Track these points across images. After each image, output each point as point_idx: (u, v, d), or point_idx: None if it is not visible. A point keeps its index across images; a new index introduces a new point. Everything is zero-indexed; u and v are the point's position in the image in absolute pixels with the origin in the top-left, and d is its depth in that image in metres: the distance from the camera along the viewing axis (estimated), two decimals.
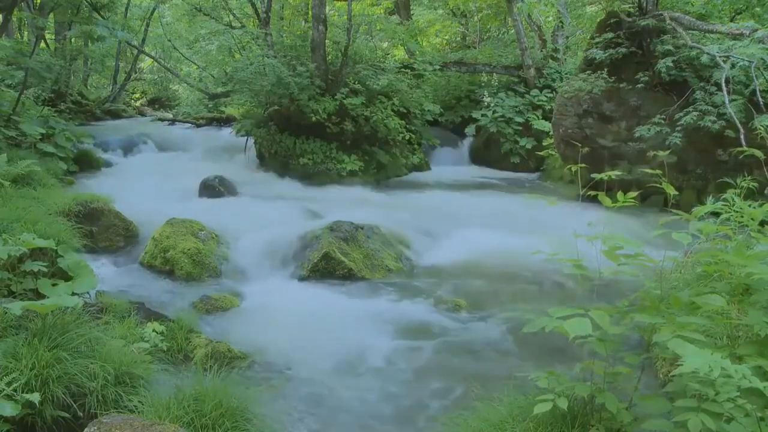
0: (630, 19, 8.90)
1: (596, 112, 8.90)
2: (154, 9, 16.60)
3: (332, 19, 12.39)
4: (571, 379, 2.47)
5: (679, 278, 3.87)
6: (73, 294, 3.97)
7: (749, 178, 3.67)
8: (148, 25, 16.87)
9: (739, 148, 3.73)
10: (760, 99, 6.96)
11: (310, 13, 12.36)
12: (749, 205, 2.77)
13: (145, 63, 22.84)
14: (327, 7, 11.49)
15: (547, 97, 12.40)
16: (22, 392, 2.63)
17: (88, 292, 4.39)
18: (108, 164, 10.98)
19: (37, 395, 2.63)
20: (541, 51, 13.87)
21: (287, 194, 9.08)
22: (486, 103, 12.52)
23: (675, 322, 2.22)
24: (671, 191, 2.56)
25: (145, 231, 6.39)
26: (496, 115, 12.27)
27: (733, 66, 7.33)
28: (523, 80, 13.04)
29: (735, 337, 2.89)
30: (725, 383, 1.85)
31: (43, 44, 13.92)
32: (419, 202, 8.97)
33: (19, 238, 3.86)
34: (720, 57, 7.35)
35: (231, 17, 13.98)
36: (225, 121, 15.47)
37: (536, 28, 14.48)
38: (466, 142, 13.04)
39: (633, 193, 2.53)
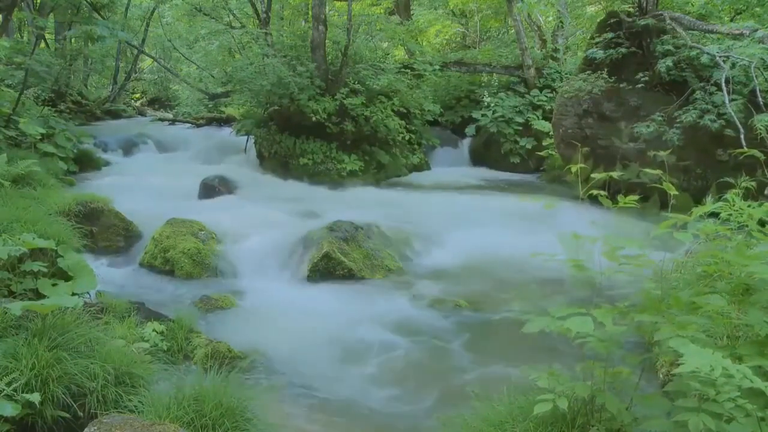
0: (630, 19, 8.89)
1: (596, 112, 8.89)
2: (154, 9, 16.62)
3: (332, 19, 12.40)
4: (571, 379, 2.46)
5: (679, 278, 3.87)
6: (73, 294, 3.97)
7: (744, 179, 3.66)
8: (148, 25, 16.90)
9: (739, 150, 3.71)
10: (760, 99, 6.96)
11: (310, 13, 12.37)
12: (749, 206, 2.76)
13: (145, 63, 22.85)
14: (327, 7, 11.48)
15: (547, 97, 12.38)
16: (22, 392, 2.63)
17: (88, 292, 4.39)
18: (108, 164, 11.00)
19: (37, 395, 2.63)
20: (541, 51, 13.86)
21: (287, 194, 9.07)
22: (486, 103, 12.50)
23: (675, 322, 2.22)
24: (672, 191, 2.55)
25: (145, 231, 6.40)
26: (496, 115, 12.26)
27: (733, 66, 7.32)
28: (523, 80, 13.03)
29: (735, 337, 2.88)
30: (726, 383, 1.85)
31: (43, 44, 13.92)
32: (419, 202, 8.97)
33: (19, 238, 3.85)
34: (720, 57, 7.34)
35: (231, 17, 13.98)
36: (225, 121, 15.47)
37: (536, 28, 14.47)
38: (466, 142, 13.02)
39: (634, 196, 2.52)
